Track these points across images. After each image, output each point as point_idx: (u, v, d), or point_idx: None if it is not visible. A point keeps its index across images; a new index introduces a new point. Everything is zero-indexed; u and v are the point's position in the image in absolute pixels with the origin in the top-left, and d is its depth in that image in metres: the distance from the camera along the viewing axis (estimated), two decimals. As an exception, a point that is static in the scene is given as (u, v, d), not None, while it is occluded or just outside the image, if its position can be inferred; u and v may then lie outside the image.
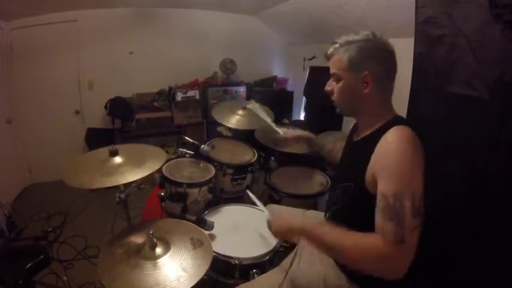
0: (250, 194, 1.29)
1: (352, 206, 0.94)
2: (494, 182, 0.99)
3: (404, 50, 1.33)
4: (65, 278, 1.82)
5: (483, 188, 1.02)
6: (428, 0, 1.19)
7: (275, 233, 1.01)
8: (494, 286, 1.02)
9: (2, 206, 2.30)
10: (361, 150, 0.91)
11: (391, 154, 0.79)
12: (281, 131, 1.64)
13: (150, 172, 1.20)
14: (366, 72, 0.88)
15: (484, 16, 0.98)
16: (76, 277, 1.86)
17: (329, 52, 0.96)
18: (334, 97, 0.98)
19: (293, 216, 1.04)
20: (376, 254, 0.73)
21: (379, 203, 0.77)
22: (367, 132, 0.94)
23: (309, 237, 0.87)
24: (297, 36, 3.87)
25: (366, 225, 0.90)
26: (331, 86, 0.98)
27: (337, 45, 0.93)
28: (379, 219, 0.76)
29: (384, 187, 0.77)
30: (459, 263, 1.11)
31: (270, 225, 1.03)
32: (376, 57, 0.89)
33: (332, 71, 0.96)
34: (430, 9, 1.18)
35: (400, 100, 1.33)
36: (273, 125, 1.72)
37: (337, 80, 0.95)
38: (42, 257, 1.36)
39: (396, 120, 0.90)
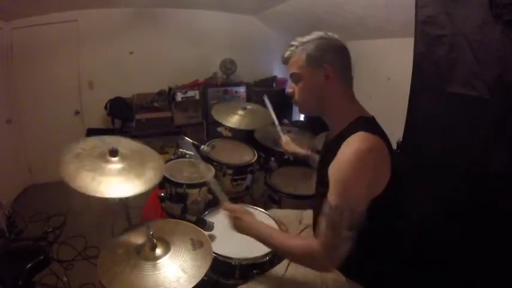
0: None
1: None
2: (494, 181, 0.99)
3: (404, 50, 1.33)
4: (65, 278, 1.82)
5: (483, 187, 1.02)
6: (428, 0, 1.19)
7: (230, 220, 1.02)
8: (494, 285, 1.02)
9: (2, 206, 2.29)
10: (328, 153, 0.91)
11: (342, 167, 0.80)
12: (284, 138, 1.63)
13: (150, 187, 1.16)
14: (326, 65, 0.90)
15: (484, 16, 0.98)
16: (76, 277, 1.87)
17: (286, 55, 0.97)
18: (296, 98, 0.98)
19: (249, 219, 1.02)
20: (309, 252, 0.82)
21: (324, 208, 0.81)
22: (335, 133, 0.94)
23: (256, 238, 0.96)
24: (297, 36, 3.85)
25: None
26: (291, 87, 0.99)
27: (293, 48, 0.95)
28: (320, 221, 0.81)
29: (330, 196, 0.81)
30: (459, 262, 1.11)
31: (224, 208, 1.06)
32: (333, 50, 0.91)
33: (291, 71, 0.97)
34: (430, 9, 1.18)
35: (400, 100, 1.33)
36: (279, 128, 1.70)
37: (297, 80, 0.96)
38: (42, 257, 1.36)
39: (362, 122, 0.89)
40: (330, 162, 0.86)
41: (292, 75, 0.97)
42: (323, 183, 0.95)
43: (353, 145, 0.80)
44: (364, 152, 0.79)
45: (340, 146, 0.84)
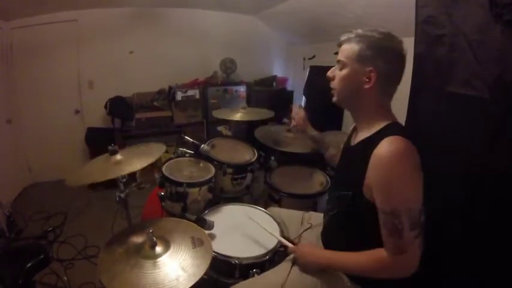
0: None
1: (348, 213, 0.94)
2: (493, 182, 0.99)
3: (404, 50, 1.33)
4: (65, 277, 1.83)
5: (483, 188, 1.02)
6: (429, -1, 1.19)
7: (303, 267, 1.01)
8: (494, 285, 1.02)
9: (2, 206, 2.30)
10: (357, 156, 0.89)
11: (385, 170, 0.79)
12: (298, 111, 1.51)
13: (151, 161, 1.20)
14: (371, 68, 0.87)
15: (484, 16, 0.98)
16: (76, 277, 1.87)
17: (342, 38, 0.94)
18: (335, 84, 0.97)
19: (314, 251, 1.03)
20: (381, 267, 0.82)
21: (380, 218, 0.81)
22: (364, 136, 0.93)
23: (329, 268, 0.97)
24: (297, 36, 3.87)
25: (360, 231, 0.91)
26: (333, 72, 0.98)
27: (352, 35, 0.91)
28: (382, 232, 0.81)
29: (381, 204, 0.80)
30: (459, 263, 1.11)
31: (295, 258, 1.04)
32: (387, 57, 0.88)
33: (339, 57, 0.95)
34: (430, 8, 1.18)
35: (400, 100, 1.33)
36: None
37: (341, 68, 0.94)
38: (42, 256, 1.36)
39: (393, 128, 0.88)
40: (358, 168, 0.85)
41: (338, 61, 0.95)
42: (341, 186, 0.96)
43: (386, 148, 0.80)
44: (398, 150, 0.79)
45: (371, 149, 0.82)
